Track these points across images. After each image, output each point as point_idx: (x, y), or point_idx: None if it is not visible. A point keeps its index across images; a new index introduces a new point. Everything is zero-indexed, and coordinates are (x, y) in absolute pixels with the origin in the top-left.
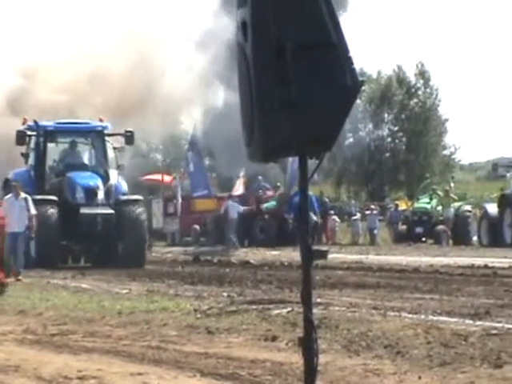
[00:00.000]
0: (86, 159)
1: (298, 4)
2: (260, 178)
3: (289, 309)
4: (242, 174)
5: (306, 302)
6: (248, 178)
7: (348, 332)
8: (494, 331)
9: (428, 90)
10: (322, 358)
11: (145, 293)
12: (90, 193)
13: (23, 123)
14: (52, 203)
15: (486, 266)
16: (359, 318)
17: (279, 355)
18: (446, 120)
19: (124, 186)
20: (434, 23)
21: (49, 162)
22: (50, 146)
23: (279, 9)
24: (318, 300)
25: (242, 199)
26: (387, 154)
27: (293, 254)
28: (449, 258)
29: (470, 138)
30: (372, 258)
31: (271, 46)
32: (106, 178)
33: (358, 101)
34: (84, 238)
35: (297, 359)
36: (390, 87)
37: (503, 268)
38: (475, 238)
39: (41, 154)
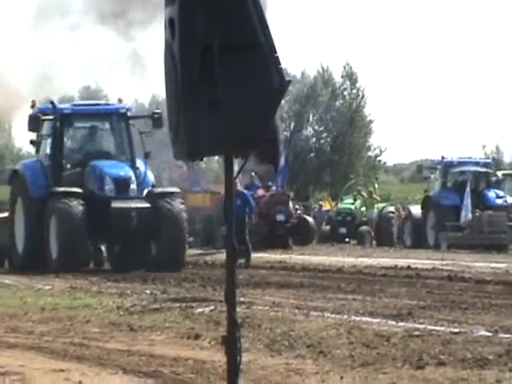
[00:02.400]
0: (108, 146)
1: (226, 3)
2: (253, 174)
3: (212, 307)
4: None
5: (230, 301)
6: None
7: (271, 331)
8: (416, 332)
9: (354, 91)
10: (244, 357)
11: (68, 289)
12: (122, 184)
13: (32, 106)
14: (77, 196)
15: (408, 268)
16: (282, 318)
17: (202, 353)
18: (372, 121)
19: (151, 177)
20: (359, 24)
21: (64, 151)
22: (67, 131)
23: (207, 8)
24: (242, 299)
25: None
26: (312, 155)
27: (216, 254)
28: (372, 259)
29: (394, 139)
30: (295, 258)
31: (198, 45)
32: (133, 168)
33: (283, 101)
34: (115, 236)
35: (220, 357)
36: (315, 88)
37: (426, 269)
38: (398, 240)
39: (57, 141)
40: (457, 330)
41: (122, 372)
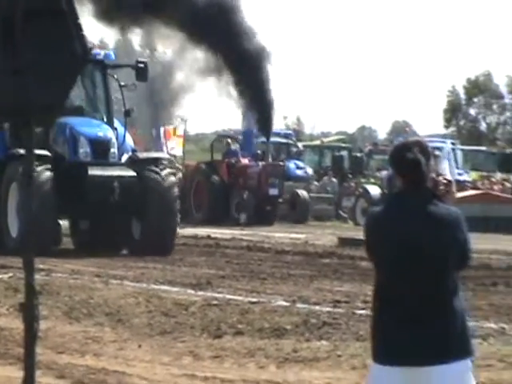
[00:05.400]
0: (80, 100)
1: None
2: (229, 140)
3: (10, 274)
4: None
5: (28, 268)
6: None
7: (70, 299)
8: (215, 302)
9: (154, 60)
10: (42, 324)
11: None
12: (101, 147)
13: None
14: (44, 160)
15: (208, 237)
16: (81, 286)
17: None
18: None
19: (130, 141)
20: None
21: None
22: None
23: None
24: (41, 266)
25: (209, 167)
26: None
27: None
28: None
29: (196, 109)
30: None
31: None
32: (111, 127)
33: None
34: (91, 210)
35: (17, 325)
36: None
37: (225, 239)
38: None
39: None
40: (255, 300)
41: None
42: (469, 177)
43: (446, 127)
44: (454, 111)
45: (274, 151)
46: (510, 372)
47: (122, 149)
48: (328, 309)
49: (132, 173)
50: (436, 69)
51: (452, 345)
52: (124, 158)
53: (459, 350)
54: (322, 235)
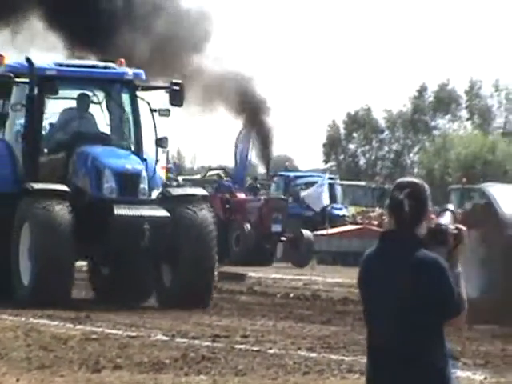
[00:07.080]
0: (105, 126)
1: None
2: (222, 174)
3: None
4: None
5: None
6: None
7: None
8: (94, 336)
9: None
10: None
11: None
12: (129, 182)
13: None
14: (62, 197)
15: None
16: None
17: None
18: None
19: (161, 174)
20: None
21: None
22: (47, 101)
23: None
24: None
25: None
26: None
27: None
28: None
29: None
30: None
31: None
32: (140, 159)
33: None
34: (116, 256)
35: None
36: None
37: None
38: None
39: (35, 114)
40: (134, 334)
41: None
42: (348, 211)
43: (326, 162)
44: (333, 146)
45: None
46: None
47: (152, 183)
48: (207, 343)
49: (164, 213)
50: (316, 103)
51: None
52: (154, 194)
53: None
54: None
